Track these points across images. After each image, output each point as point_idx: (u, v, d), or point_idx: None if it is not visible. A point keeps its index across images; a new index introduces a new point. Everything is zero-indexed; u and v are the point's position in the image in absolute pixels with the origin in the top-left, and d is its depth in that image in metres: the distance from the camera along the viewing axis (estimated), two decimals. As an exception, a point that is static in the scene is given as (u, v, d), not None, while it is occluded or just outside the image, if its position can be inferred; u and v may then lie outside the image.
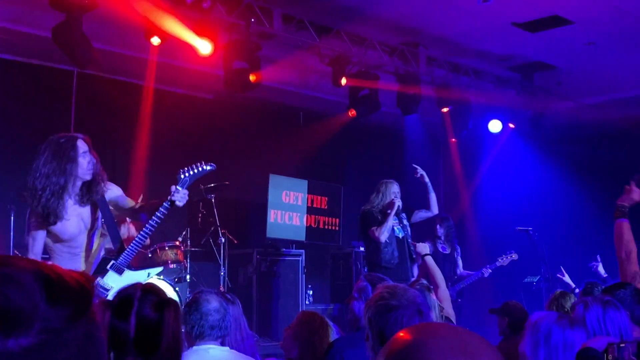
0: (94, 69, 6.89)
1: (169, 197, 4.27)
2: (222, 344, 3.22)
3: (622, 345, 2.36)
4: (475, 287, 8.53)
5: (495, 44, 8.81)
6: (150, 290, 2.21)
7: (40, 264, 0.85)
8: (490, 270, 8.17)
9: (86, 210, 4.25)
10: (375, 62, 8.73)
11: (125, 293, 2.20)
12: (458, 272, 8.34)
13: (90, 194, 4.21)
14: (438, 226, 8.27)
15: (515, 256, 8.26)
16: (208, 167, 4.67)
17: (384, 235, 6.90)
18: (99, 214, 4.32)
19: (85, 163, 4.15)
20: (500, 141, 11.09)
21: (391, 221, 6.98)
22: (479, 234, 11.25)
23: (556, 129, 10.83)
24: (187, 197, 4.34)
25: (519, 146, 11.30)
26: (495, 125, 10.57)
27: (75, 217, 4.18)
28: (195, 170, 4.57)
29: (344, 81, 8.37)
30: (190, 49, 7.08)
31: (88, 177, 4.17)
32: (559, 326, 2.77)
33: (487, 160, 11.70)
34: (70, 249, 4.21)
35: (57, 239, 4.17)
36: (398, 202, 7.03)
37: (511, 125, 10.62)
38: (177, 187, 4.31)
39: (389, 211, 6.98)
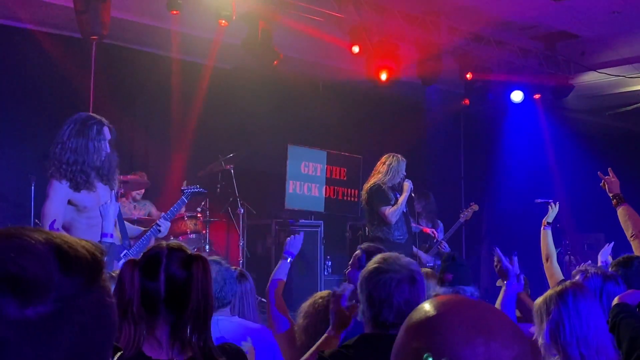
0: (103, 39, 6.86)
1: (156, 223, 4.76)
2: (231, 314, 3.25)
3: None
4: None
5: (518, 13, 8.65)
6: (177, 247, 2.19)
7: (52, 234, 0.87)
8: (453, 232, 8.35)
9: (105, 189, 4.43)
10: (397, 32, 8.62)
11: (153, 252, 2.19)
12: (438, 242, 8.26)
13: (109, 179, 4.43)
14: (416, 202, 8.19)
15: (475, 206, 8.31)
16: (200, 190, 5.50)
17: (395, 217, 6.88)
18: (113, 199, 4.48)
19: (103, 149, 4.33)
20: (522, 112, 10.96)
21: (404, 204, 6.96)
22: (499, 206, 11.18)
23: (579, 99, 10.68)
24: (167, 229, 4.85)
25: (541, 117, 11.16)
26: (517, 96, 10.43)
27: (95, 191, 4.33)
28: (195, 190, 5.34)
29: (355, 49, 8.28)
30: (209, 18, 7.03)
31: (98, 163, 4.35)
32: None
33: (508, 131, 11.58)
34: (88, 219, 4.28)
35: (77, 209, 4.24)
36: (411, 186, 7.00)
37: (537, 96, 10.45)
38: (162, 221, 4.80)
39: (398, 195, 6.94)
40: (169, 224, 4.83)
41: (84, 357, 0.85)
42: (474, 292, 3.99)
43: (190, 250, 2.22)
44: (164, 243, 2.22)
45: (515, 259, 3.84)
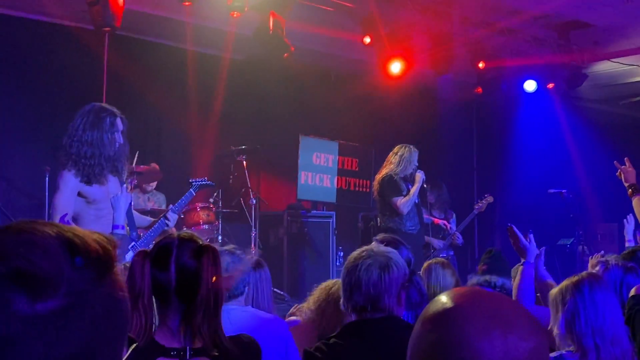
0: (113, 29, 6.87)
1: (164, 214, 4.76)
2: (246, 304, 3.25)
3: None
4: (510, 249, 8.49)
5: (531, 2, 8.59)
6: (188, 238, 2.21)
7: (63, 228, 0.87)
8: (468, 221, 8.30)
9: (115, 180, 4.45)
10: (408, 21, 8.58)
11: (164, 242, 2.20)
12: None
13: (119, 170, 4.45)
14: (429, 193, 8.18)
15: (490, 198, 8.27)
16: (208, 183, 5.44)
17: (407, 207, 6.87)
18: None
19: (117, 141, 4.35)
20: (535, 101, 10.90)
21: (416, 195, 6.95)
22: (512, 197, 11.15)
23: (592, 89, 10.61)
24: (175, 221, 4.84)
25: (554, 106, 11.10)
26: (530, 85, 10.37)
27: (106, 184, 4.36)
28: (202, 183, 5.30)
29: (367, 40, 8.26)
30: (221, 9, 7.03)
31: (112, 155, 4.37)
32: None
33: (521, 121, 11.52)
34: (97, 211, 4.30)
35: (86, 200, 4.26)
36: (423, 177, 6.99)
37: (550, 86, 10.38)
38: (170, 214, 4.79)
39: (410, 186, 6.93)
40: (177, 216, 4.83)
41: (96, 351, 0.85)
42: (505, 283, 3.95)
43: (202, 240, 2.23)
44: (175, 233, 2.24)
45: (531, 236, 3.72)
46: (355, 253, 2.75)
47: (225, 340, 2.16)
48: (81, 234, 0.88)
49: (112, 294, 0.88)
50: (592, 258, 3.76)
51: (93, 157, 4.23)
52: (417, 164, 7.08)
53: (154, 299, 2.17)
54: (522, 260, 3.67)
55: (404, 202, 6.85)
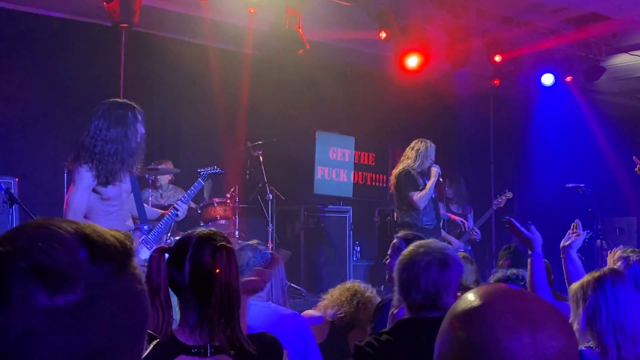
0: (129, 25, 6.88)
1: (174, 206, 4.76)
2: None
3: None
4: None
5: (549, -5, 8.52)
6: (207, 236, 2.22)
7: (80, 224, 0.88)
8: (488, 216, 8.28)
9: (126, 176, 4.44)
10: (425, 15, 8.53)
11: (182, 239, 2.23)
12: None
13: (134, 165, 4.45)
14: (447, 188, 8.15)
15: (510, 194, 8.21)
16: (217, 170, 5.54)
17: (424, 202, 6.86)
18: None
19: (139, 132, 4.34)
20: (552, 94, 10.82)
21: (432, 189, 6.93)
22: (530, 191, 11.08)
23: (610, 82, 10.51)
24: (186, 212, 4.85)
25: (572, 100, 11.01)
26: (547, 79, 10.29)
27: (121, 182, 4.36)
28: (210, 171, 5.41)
29: (383, 35, 8.23)
30: (238, 5, 7.03)
31: (134, 147, 4.37)
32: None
33: (538, 115, 11.44)
34: (107, 207, 4.31)
35: (100, 197, 4.27)
36: (439, 171, 6.97)
37: (569, 79, 10.29)
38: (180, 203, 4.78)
39: (427, 180, 6.92)
40: (187, 206, 4.83)
41: (117, 344, 0.86)
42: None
43: (223, 239, 2.24)
44: (196, 231, 2.25)
45: (533, 227, 3.56)
46: (411, 248, 2.70)
47: (245, 340, 2.16)
48: (99, 230, 0.89)
49: (131, 288, 0.89)
50: (611, 252, 3.73)
51: (117, 154, 4.22)
52: (434, 159, 7.06)
53: (175, 296, 2.19)
54: (530, 252, 3.53)
55: (420, 197, 6.84)
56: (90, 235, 0.86)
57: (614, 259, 3.49)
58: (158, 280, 2.13)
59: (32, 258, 0.81)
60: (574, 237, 3.72)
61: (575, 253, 3.70)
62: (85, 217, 4.21)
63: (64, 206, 4.27)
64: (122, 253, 0.89)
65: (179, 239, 2.27)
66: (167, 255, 2.21)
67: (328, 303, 3.89)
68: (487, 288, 1.04)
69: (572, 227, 3.82)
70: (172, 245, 2.25)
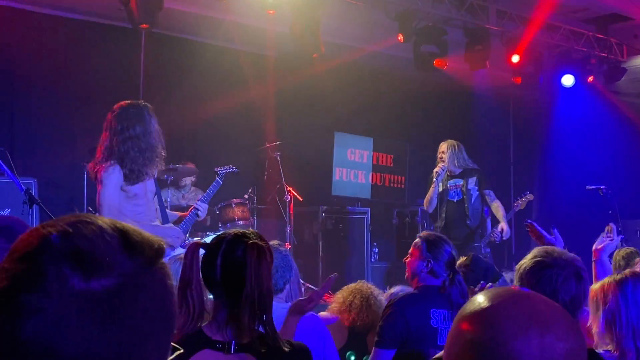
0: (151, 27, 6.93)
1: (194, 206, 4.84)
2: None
3: None
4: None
5: (569, -5, 8.47)
6: (242, 234, 2.27)
7: (115, 221, 0.92)
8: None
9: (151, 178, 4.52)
10: (444, 16, 8.52)
11: (219, 236, 2.30)
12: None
13: (156, 162, 4.48)
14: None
15: (530, 196, 8.13)
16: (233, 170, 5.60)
17: (429, 207, 7.03)
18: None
19: (155, 128, 4.40)
20: (573, 96, 10.73)
21: (435, 192, 7.01)
22: (549, 193, 11.00)
23: (631, 83, 10.41)
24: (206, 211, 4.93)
25: (593, 101, 10.91)
26: (568, 80, 10.21)
27: (147, 180, 4.42)
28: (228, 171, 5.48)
29: (400, 37, 8.22)
30: (258, 6, 7.06)
31: (153, 143, 4.40)
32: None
33: (558, 116, 11.36)
34: (135, 206, 4.36)
35: (126, 195, 4.32)
36: (437, 169, 7.02)
37: (590, 79, 10.19)
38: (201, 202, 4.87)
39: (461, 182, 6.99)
40: (207, 206, 4.88)
41: (146, 335, 0.87)
42: None
43: (258, 237, 2.27)
44: (233, 230, 2.31)
45: (556, 231, 3.50)
46: (541, 259, 2.50)
47: (276, 340, 2.17)
48: (134, 227, 0.92)
49: (160, 283, 0.91)
50: (618, 250, 3.68)
51: (140, 150, 4.28)
52: (440, 157, 7.16)
53: (207, 291, 2.25)
54: None
55: (424, 202, 7.06)
56: (124, 228, 0.90)
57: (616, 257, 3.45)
58: (190, 274, 2.17)
59: (71, 241, 0.84)
60: (607, 241, 3.66)
61: (606, 257, 3.65)
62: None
63: (97, 207, 4.33)
64: (153, 249, 0.91)
65: (216, 235, 2.34)
66: (202, 250, 2.26)
67: (340, 307, 3.90)
68: (496, 290, 1.04)
69: (606, 229, 3.76)
70: (208, 242, 2.30)
